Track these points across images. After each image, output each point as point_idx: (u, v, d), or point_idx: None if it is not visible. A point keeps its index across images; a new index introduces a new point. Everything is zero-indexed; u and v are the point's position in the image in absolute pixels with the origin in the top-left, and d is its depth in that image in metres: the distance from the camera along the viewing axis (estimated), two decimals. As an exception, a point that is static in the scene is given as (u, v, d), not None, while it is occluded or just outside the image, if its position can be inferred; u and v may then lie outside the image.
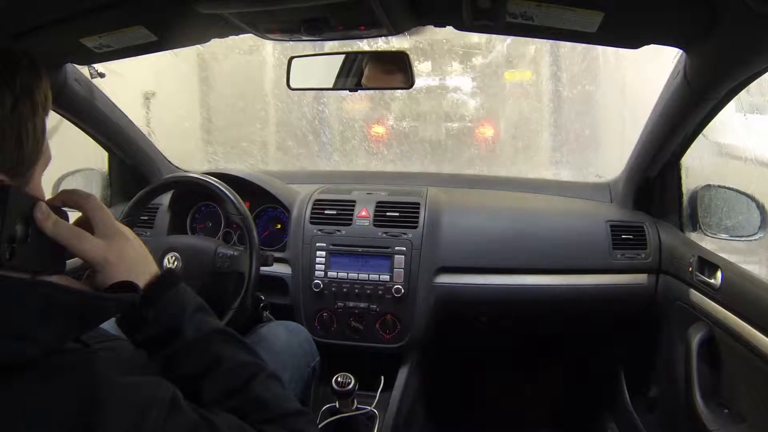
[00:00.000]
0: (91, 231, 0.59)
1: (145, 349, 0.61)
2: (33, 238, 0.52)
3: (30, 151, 0.53)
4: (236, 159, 2.53)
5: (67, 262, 0.59)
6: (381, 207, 1.48)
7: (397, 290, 1.38)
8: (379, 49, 1.46)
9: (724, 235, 1.30)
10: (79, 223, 0.61)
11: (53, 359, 0.48)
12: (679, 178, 1.38)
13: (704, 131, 1.21)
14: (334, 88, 1.31)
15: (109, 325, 0.62)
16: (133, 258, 0.61)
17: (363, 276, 1.41)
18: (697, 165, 1.36)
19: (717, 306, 1.11)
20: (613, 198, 1.60)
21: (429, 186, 1.61)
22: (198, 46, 1.39)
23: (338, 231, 1.46)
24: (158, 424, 0.48)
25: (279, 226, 1.57)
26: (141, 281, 0.60)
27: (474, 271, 1.44)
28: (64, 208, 0.59)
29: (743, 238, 1.27)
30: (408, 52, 1.24)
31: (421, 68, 2.48)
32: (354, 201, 1.50)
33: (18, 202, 0.51)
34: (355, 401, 1.29)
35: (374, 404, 1.34)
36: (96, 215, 0.60)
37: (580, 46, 2.21)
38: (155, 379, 0.52)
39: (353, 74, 1.26)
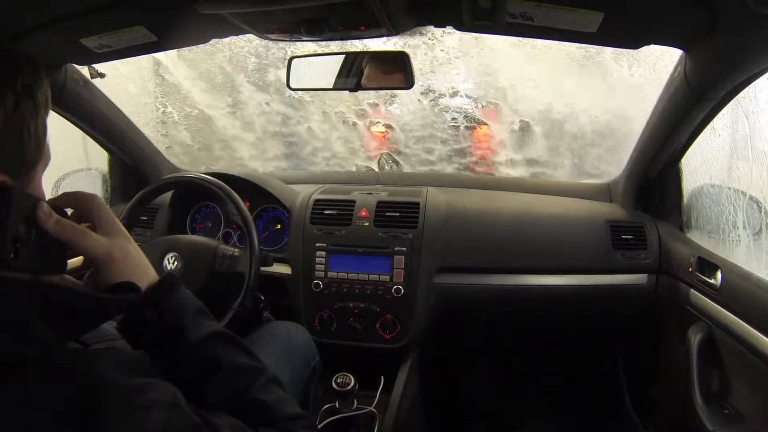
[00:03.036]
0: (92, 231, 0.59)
1: (147, 351, 0.61)
2: (35, 238, 0.52)
3: (32, 151, 0.53)
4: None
5: (67, 262, 0.59)
6: (381, 207, 1.48)
7: (397, 290, 1.38)
8: (379, 50, 1.46)
9: (724, 235, 1.30)
10: (78, 222, 0.60)
11: (54, 360, 0.48)
12: (679, 178, 1.38)
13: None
14: (334, 89, 1.31)
15: (111, 326, 0.62)
16: (136, 257, 0.62)
17: (363, 276, 1.41)
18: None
19: (717, 306, 1.11)
20: (613, 198, 1.60)
21: (429, 186, 1.61)
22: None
23: (338, 231, 1.46)
24: (160, 425, 0.48)
25: (279, 226, 1.57)
26: (142, 283, 0.60)
27: (474, 271, 1.44)
28: (67, 209, 0.59)
29: (743, 238, 1.27)
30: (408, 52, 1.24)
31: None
32: (354, 201, 1.50)
33: (20, 202, 0.51)
34: (355, 401, 1.29)
35: (374, 404, 1.34)
36: (99, 214, 0.60)
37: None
38: (157, 380, 0.52)
39: (353, 74, 1.26)
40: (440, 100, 2.31)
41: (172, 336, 0.61)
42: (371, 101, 2.38)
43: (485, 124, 2.29)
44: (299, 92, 2.33)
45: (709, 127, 1.20)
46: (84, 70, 1.30)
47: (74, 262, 0.76)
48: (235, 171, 1.57)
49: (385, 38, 1.53)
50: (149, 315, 0.60)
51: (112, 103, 1.49)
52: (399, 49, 1.93)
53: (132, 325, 0.61)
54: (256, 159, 2.51)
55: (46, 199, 0.56)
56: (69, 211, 0.60)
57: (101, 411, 0.45)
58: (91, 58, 1.17)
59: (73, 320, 0.51)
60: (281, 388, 0.67)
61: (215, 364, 0.62)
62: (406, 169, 2.21)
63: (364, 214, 1.47)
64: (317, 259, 1.44)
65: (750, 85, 1.01)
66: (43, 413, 0.45)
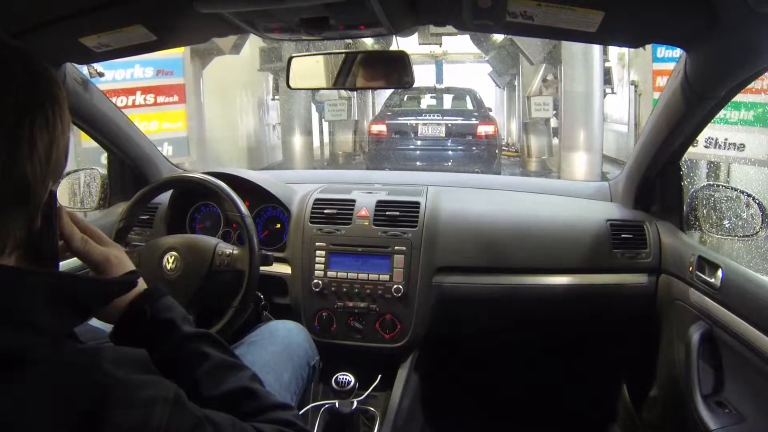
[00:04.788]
0: None
1: (144, 347, 0.61)
2: (42, 231, 0.54)
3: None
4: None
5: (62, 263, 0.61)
6: (381, 206, 1.48)
7: (397, 290, 1.38)
8: (380, 49, 1.46)
9: (724, 234, 1.30)
10: None
11: (56, 355, 0.47)
12: (680, 177, 1.38)
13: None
14: (334, 87, 1.31)
15: (106, 330, 0.64)
16: (129, 266, 0.69)
17: (363, 276, 1.41)
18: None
19: (717, 305, 1.11)
20: (614, 197, 1.60)
21: (429, 185, 1.61)
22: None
23: (338, 230, 1.46)
24: (162, 421, 0.48)
25: (278, 225, 1.56)
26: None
27: (473, 270, 1.44)
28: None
29: (744, 237, 1.27)
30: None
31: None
32: (354, 200, 1.50)
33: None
34: (355, 401, 1.29)
35: (374, 404, 1.34)
36: (93, 230, 0.68)
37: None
38: (158, 377, 0.53)
39: (353, 73, 1.26)
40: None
41: (166, 329, 0.66)
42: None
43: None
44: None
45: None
46: (83, 70, 1.30)
47: (69, 263, 0.80)
48: (234, 170, 1.57)
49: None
50: (145, 308, 0.66)
51: (112, 102, 1.49)
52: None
53: (128, 320, 0.66)
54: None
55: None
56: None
57: (104, 406, 0.45)
58: (91, 57, 1.17)
59: (76, 306, 0.52)
60: (263, 386, 0.70)
61: (205, 358, 0.66)
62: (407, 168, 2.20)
63: (363, 213, 1.47)
64: (317, 258, 1.44)
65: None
66: (45, 410, 0.44)
